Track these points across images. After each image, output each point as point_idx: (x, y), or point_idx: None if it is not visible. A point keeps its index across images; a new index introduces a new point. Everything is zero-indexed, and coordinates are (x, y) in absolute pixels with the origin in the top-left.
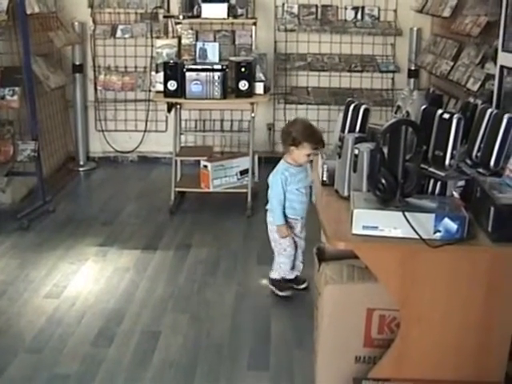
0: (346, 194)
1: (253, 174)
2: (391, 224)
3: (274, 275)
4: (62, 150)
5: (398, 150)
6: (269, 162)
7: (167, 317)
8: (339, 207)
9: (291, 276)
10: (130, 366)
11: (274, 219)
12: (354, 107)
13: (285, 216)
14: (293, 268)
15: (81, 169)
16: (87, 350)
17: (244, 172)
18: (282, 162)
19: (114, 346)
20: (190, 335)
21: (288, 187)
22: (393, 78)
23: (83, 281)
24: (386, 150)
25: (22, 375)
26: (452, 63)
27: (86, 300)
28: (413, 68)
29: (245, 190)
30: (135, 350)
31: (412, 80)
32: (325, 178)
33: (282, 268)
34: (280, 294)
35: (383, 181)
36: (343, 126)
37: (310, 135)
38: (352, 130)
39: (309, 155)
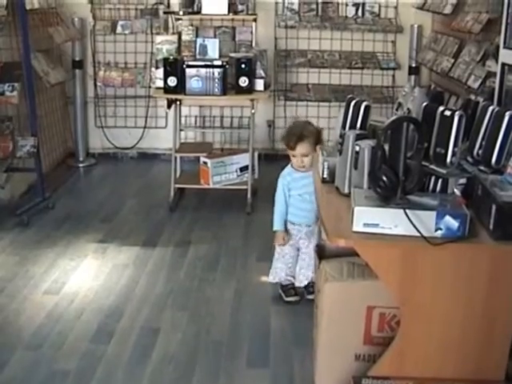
0: (346, 191)
1: (253, 170)
2: (392, 221)
3: (270, 278)
4: (62, 146)
5: (399, 147)
6: (269, 158)
7: (166, 313)
8: (340, 204)
9: (287, 282)
10: (130, 362)
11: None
12: (355, 104)
13: (290, 222)
14: (293, 277)
15: (80, 165)
16: (86, 347)
17: (244, 168)
18: (288, 165)
19: (113, 343)
20: (189, 332)
21: (290, 192)
22: (393, 75)
23: (82, 277)
24: (387, 147)
25: (22, 372)
26: (453, 60)
27: (86, 296)
28: (413, 65)
29: (245, 187)
30: (134, 347)
31: (413, 77)
32: (325, 175)
33: (277, 273)
34: (285, 299)
35: (384, 178)
36: (344, 122)
37: (285, 136)
38: (353, 126)
39: (294, 156)
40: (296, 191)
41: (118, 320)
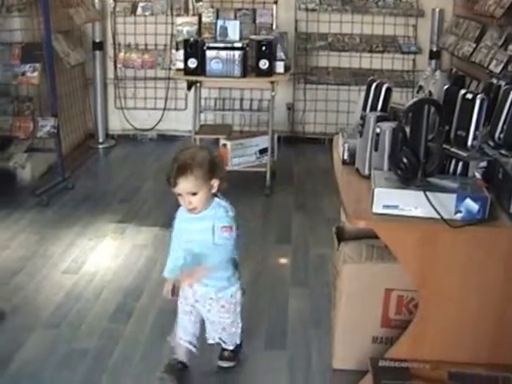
0: (366, 172)
1: (272, 153)
2: (412, 203)
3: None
4: (82, 128)
5: (420, 129)
6: (288, 141)
7: None
8: (360, 186)
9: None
10: (148, 341)
11: None
12: (376, 86)
13: None
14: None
15: (100, 146)
16: (105, 326)
17: (263, 151)
18: None
19: (131, 322)
20: None
21: (181, 236)
22: (414, 60)
23: (101, 257)
24: (407, 130)
25: (40, 350)
26: (474, 45)
27: (105, 276)
28: (434, 49)
29: (264, 169)
30: (153, 326)
31: (433, 61)
32: (345, 157)
33: (175, 333)
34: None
35: (405, 160)
36: (365, 104)
37: (167, 169)
38: (374, 108)
39: (180, 195)
40: (182, 236)
41: (137, 300)
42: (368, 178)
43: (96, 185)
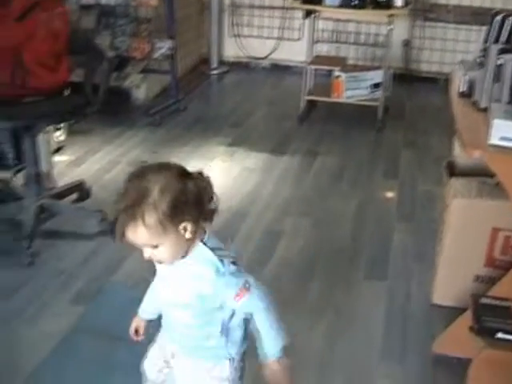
0: (484, 104)
1: (385, 88)
2: None
3: None
4: (196, 52)
5: None
6: (402, 79)
7: (290, 219)
8: (476, 119)
9: None
10: (250, 261)
11: None
12: (502, 18)
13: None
14: None
15: (213, 72)
16: None
17: (377, 85)
18: None
19: (236, 241)
20: (310, 238)
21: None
22: None
23: (210, 177)
24: None
25: (141, 262)
26: None
27: None
28: None
29: (376, 104)
30: (256, 247)
31: None
32: (464, 89)
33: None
34: None
35: None
36: (486, 37)
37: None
38: (497, 41)
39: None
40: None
41: (243, 221)
42: (485, 111)
43: (208, 108)
